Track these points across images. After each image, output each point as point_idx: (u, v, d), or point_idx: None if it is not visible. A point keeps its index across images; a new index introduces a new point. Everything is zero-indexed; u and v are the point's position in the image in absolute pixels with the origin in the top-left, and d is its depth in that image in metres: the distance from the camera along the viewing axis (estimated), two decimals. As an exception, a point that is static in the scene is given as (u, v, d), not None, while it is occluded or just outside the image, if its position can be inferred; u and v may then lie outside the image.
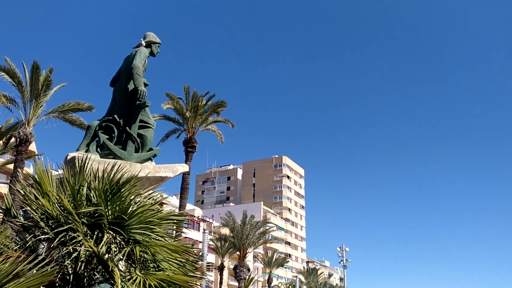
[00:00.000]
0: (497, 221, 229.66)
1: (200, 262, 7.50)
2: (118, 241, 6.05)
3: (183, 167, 10.22)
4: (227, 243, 59.59)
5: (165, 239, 6.62)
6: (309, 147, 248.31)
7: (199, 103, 34.18)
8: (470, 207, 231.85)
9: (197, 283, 6.89)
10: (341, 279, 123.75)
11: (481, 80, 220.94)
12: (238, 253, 55.15)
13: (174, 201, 57.68)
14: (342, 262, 56.21)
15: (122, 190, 6.25)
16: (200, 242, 55.50)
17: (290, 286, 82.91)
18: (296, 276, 66.00)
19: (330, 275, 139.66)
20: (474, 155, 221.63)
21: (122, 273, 5.95)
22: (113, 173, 6.44)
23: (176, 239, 7.26)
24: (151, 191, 7.12)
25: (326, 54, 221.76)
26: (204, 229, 41.47)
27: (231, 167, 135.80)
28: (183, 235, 55.07)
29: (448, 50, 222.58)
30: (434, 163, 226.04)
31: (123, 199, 6.18)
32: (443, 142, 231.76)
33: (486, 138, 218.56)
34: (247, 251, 55.20)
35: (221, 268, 63.17)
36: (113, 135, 9.57)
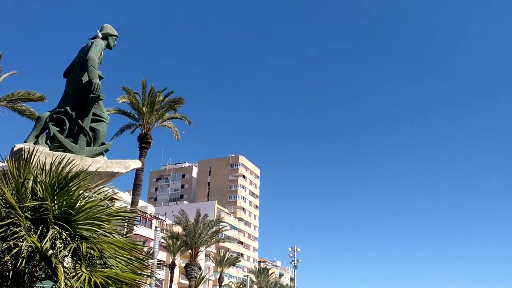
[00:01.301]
0: (451, 219, 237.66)
1: (150, 260, 7.39)
2: (64, 237, 5.86)
3: (136, 163, 10.04)
4: (179, 241, 59.06)
5: (113, 236, 6.46)
6: (266, 147, 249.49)
7: (156, 99, 33.71)
8: (416, 208, 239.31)
9: (145, 281, 6.78)
10: (291, 279, 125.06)
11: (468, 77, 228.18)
12: (190, 251, 54.72)
13: (127, 197, 56.68)
14: (293, 262, 56.77)
15: (71, 184, 6.06)
16: (151, 239, 54.76)
17: (241, 286, 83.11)
18: (247, 276, 66.20)
19: (281, 275, 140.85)
20: (428, 154, 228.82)
21: (66, 270, 5.78)
22: (61, 166, 6.24)
23: (126, 236, 7.12)
24: (101, 186, 6.95)
25: (285, 53, 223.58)
26: (156, 227, 40.92)
27: (186, 164, 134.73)
28: (135, 232, 54.17)
29: (423, 48, 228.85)
30: (385, 166, 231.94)
31: (71, 193, 6.00)
32: (396, 144, 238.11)
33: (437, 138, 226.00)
34: (199, 249, 54.90)
35: (172, 267, 62.56)
36: (65, 127, 9.27)
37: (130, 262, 6.41)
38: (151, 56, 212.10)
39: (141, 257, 6.78)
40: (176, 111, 35.48)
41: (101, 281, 5.60)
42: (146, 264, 6.75)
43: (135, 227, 53.06)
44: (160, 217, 77.16)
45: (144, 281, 6.73)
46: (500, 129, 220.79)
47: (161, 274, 72.37)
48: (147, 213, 71.37)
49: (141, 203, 72.43)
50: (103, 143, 9.50)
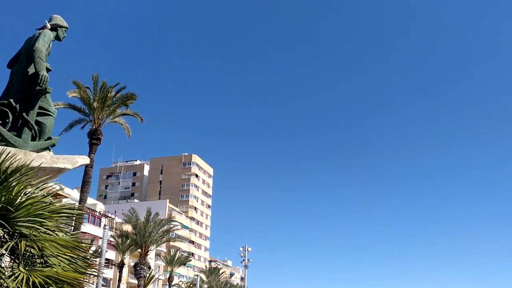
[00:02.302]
0: (415, 217, 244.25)
1: (96, 259, 7.18)
2: (1, 235, 5.60)
3: (84, 159, 9.73)
4: (128, 240, 58.04)
5: (56, 234, 6.24)
6: (220, 147, 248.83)
7: (108, 94, 32.96)
8: (368, 207, 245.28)
9: (90, 280, 6.58)
10: (242, 279, 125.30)
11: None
12: (139, 250, 53.85)
13: (75, 194, 55.18)
14: (244, 262, 56.88)
15: (10, 179, 5.79)
16: (100, 238, 53.53)
17: (191, 285, 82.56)
18: (197, 275, 65.77)
19: (231, 275, 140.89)
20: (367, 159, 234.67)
21: (2, 269, 5.52)
22: (0, 160, 5.96)
23: (73, 234, 6.90)
24: (45, 182, 6.68)
25: (240, 51, 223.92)
26: (105, 225, 39.98)
27: (138, 162, 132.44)
28: (83, 230, 52.74)
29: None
30: (337, 165, 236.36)
31: (10, 189, 5.74)
32: (347, 143, 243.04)
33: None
34: (149, 248, 54.14)
35: (121, 266, 61.37)
36: (7, 120, 8.86)
37: (73, 261, 6.19)
38: (104, 51, 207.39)
39: (85, 256, 6.58)
40: (128, 107, 34.79)
41: (40, 280, 5.37)
42: (90, 262, 6.55)
43: (83, 225, 51.70)
44: (109, 215, 75.57)
45: (87, 280, 6.53)
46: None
47: (109, 273, 70.85)
48: (96, 211, 69.68)
49: (90, 201, 70.63)
50: (49, 138, 9.17)
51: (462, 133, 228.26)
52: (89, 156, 32.04)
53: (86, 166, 31.73)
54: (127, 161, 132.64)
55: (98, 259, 26.99)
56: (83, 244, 6.64)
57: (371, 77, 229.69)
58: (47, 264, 5.88)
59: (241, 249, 58.40)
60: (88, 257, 6.72)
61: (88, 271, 6.53)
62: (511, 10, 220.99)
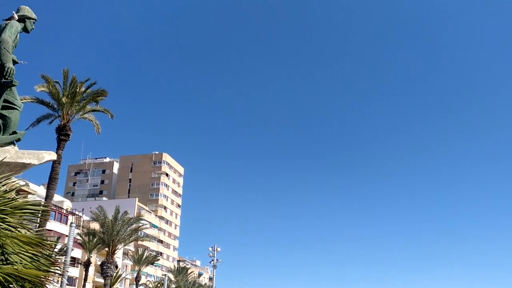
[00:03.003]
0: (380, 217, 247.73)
1: (63, 257, 7.02)
2: (-41, 230, 5.43)
3: (51, 155, 9.51)
4: (96, 239, 57.12)
5: (19, 230, 6.08)
6: (191, 146, 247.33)
7: (78, 89, 32.35)
8: (339, 208, 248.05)
9: (54, 278, 6.43)
10: (210, 279, 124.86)
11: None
12: (107, 249, 53.06)
13: (41, 191, 53.97)
14: (212, 262, 56.69)
15: (-29, 174, 5.63)
16: (66, 236, 52.51)
17: (159, 285, 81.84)
18: (165, 275, 65.21)
19: (200, 275, 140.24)
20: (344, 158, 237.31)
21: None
22: (-39, 154, 5.78)
23: (37, 231, 6.73)
24: (6, 178, 6.50)
25: (212, 48, 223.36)
26: (71, 223, 39.22)
27: (107, 160, 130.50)
28: (48, 228, 51.59)
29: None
30: (304, 173, 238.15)
31: (-30, 184, 5.57)
32: (321, 144, 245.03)
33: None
34: (117, 247, 53.41)
35: (87, 264, 60.32)
36: (-30, 113, 8.60)
37: (36, 259, 6.05)
38: (75, 46, 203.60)
39: (49, 254, 6.43)
40: (98, 104, 34.23)
41: (0, 278, 5.23)
42: (53, 260, 6.41)
43: (48, 223, 50.59)
44: (77, 213, 74.22)
45: (50, 278, 6.38)
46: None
47: (75, 272, 69.57)
48: (63, 208, 68.33)
49: (57, 198, 69.24)
50: (14, 132, 8.91)
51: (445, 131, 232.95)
52: (57, 152, 31.38)
53: (54, 162, 31.11)
54: (96, 158, 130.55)
55: (63, 258, 26.50)
56: (47, 242, 6.49)
57: (348, 66, 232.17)
58: (8, 261, 5.72)
59: (210, 249, 58.24)
60: (52, 254, 6.57)
61: (51, 269, 6.38)
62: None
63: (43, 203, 18.86)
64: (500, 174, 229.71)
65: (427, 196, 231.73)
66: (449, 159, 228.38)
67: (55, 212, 64.98)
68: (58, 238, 51.24)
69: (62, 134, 31.59)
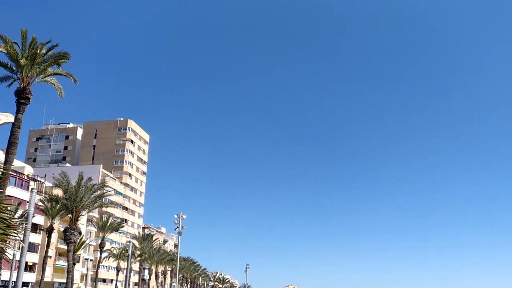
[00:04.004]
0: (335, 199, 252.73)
1: (20, 222, 6.87)
2: None
3: (7, 117, 9.32)
4: (58, 205, 56.22)
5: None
6: (156, 113, 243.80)
7: (38, 51, 31.15)
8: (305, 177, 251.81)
9: (14, 243, 6.30)
10: (175, 246, 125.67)
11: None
12: (70, 215, 52.35)
13: (0, 156, 52.47)
14: (178, 229, 56.84)
15: None
16: (28, 202, 51.49)
17: (124, 251, 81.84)
18: (130, 241, 65.03)
19: (165, 241, 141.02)
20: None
21: None
22: None
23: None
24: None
25: (185, 21, 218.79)
26: (32, 189, 38.44)
27: (71, 125, 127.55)
28: (8, 193, 50.44)
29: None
30: (273, 142, 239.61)
31: None
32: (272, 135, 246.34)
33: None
34: (80, 214, 52.70)
35: (49, 231, 59.53)
36: None
37: (-8, 221, 5.90)
38: (36, 6, 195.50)
39: (5, 217, 6.27)
40: (61, 67, 33.11)
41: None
42: (9, 223, 6.26)
43: (8, 188, 49.49)
44: (38, 179, 72.71)
45: (9, 244, 6.25)
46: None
47: (37, 238, 68.70)
48: (23, 174, 66.80)
49: (17, 163, 67.59)
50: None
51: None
52: (16, 116, 30.45)
53: (13, 126, 30.19)
54: (59, 124, 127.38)
55: (24, 223, 26.01)
56: (3, 205, 6.33)
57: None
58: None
59: (175, 216, 58.26)
60: (9, 218, 6.42)
61: (9, 232, 6.24)
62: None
63: (1, 168, 18.33)
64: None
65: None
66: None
67: (15, 177, 63.51)
68: (19, 204, 50.26)
69: (22, 97, 30.53)
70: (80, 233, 54.05)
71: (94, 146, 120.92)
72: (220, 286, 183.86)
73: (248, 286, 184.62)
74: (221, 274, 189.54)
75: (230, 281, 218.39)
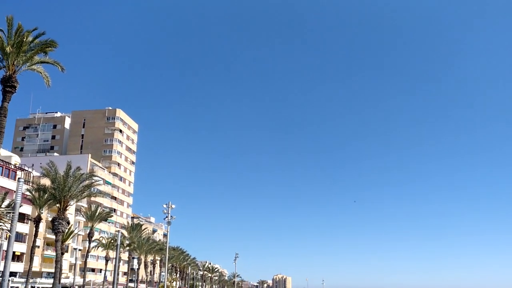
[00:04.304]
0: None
1: (11, 213, 6.77)
2: None
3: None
4: (46, 195, 55.83)
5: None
6: (145, 103, 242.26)
7: (24, 39, 30.70)
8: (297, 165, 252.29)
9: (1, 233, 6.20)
10: (164, 235, 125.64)
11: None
12: (58, 205, 52.00)
13: (-14, 145, 51.84)
14: (167, 218, 56.71)
15: None
16: (15, 191, 51.04)
17: (112, 241, 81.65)
18: (119, 231, 64.93)
19: (154, 231, 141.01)
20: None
21: None
22: None
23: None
24: None
25: (172, 9, 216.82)
26: (19, 178, 38.11)
27: (59, 114, 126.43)
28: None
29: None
30: (258, 130, 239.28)
31: None
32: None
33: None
34: (69, 203, 52.38)
35: (37, 220, 59.15)
36: None
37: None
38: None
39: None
40: (48, 55, 32.67)
41: None
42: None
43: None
44: (26, 168, 72.12)
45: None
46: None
47: (25, 228, 68.27)
48: (10, 164, 66.19)
49: (4, 153, 66.98)
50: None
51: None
52: (2, 105, 30.09)
53: (-2, 114, 29.79)
54: (46, 113, 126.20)
55: (11, 213, 25.82)
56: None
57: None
58: None
59: (164, 206, 58.06)
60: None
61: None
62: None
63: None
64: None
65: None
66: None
67: (2, 167, 62.94)
68: (5, 194, 49.75)
69: (8, 85, 30.11)
70: (68, 223, 53.78)
71: (83, 135, 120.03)
72: (210, 275, 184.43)
73: (237, 275, 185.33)
74: (210, 264, 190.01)
75: (220, 271, 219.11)
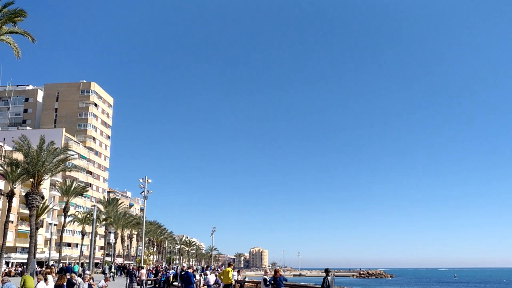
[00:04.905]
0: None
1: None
2: None
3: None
4: (19, 169, 54.79)
5: None
6: (121, 77, 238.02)
7: (-9, 8, 29.57)
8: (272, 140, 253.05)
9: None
10: (141, 210, 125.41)
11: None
12: (32, 180, 51.14)
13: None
14: (143, 193, 56.38)
15: None
16: (-14, 166, 49.96)
17: (88, 215, 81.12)
18: (95, 206, 64.48)
19: (131, 206, 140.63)
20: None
21: None
22: None
23: None
24: None
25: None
26: (-9, 152, 37.20)
27: (31, 87, 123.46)
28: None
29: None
30: (232, 105, 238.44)
31: None
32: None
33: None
34: (43, 178, 51.56)
35: (10, 195, 58.13)
36: None
37: None
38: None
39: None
40: (16, 25, 31.57)
41: None
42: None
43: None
44: (-3, 142, 70.55)
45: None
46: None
47: (-2, 203, 67.18)
48: (-19, 138, 64.59)
49: (-26, 126, 65.26)
50: None
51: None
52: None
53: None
54: (18, 85, 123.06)
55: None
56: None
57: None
58: None
59: (141, 180, 57.64)
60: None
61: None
62: None
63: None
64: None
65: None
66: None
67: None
68: (-23, 168, 48.67)
69: (-24, 56, 29.10)
70: (42, 197, 53.06)
71: (56, 109, 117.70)
72: (187, 249, 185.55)
73: (214, 249, 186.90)
74: (187, 237, 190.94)
75: (197, 244, 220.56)
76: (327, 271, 15.79)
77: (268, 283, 17.63)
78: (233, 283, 20.73)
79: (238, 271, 37.98)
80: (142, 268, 39.03)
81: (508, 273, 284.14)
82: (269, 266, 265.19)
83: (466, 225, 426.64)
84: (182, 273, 23.05)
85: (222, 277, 20.77)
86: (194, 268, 44.68)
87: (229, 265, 21.88)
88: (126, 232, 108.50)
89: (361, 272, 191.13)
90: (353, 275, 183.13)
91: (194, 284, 22.32)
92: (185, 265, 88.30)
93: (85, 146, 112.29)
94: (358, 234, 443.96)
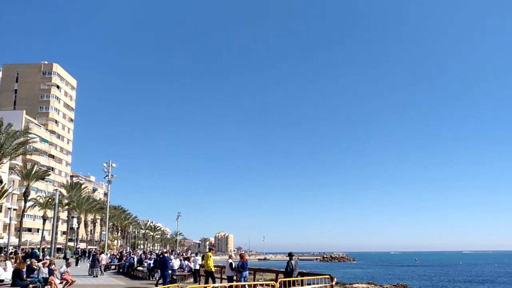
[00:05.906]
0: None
1: None
2: None
3: None
4: (-23, 152, 53.04)
5: None
6: (85, 58, 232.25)
7: None
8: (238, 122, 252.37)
9: None
10: (105, 194, 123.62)
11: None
12: (-10, 163, 49.69)
13: None
14: (107, 177, 55.57)
15: None
16: None
17: (50, 200, 79.44)
18: (57, 190, 63.16)
19: (94, 190, 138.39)
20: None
21: None
22: None
23: None
24: None
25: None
26: None
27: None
28: None
29: None
30: (201, 88, 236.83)
31: None
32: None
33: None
34: (2, 161, 50.18)
35: (-33, 179, 56.35)
36: None
37: None
38: None
39: None
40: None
41: None
42: None
43: None
44: (-47, 124, 67.87)
45: None
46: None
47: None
48: None
49: None
50: None
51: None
52: None
53: None
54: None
55: None
56: None
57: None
58: None
59: (104, 164, 56.77)
60: None
61: None
62: None
63: None
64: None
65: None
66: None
67: None
68: None
69: None
70: (1, 181, 51.70)
71: (16, 90, 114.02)
72: (152, 233, 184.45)
73: (179, 234, 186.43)
74: (152, 222, 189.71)
75: (162, 229, 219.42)
76: (290, 255, 15.96)
77: (235, 267, 17.70)
78: (214, 270, 19.35)
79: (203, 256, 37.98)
80: (102, 252, 38.64)
81: (468, 256, 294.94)
82: (234, 251, 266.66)
83: (421, 210, 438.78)
84: (161, 256, 23.39)
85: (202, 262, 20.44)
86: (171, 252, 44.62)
87: (210, 250, 20.06)
88: (90, 217, 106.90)
89: (325, 256, 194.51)
90: (316, 259, 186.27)
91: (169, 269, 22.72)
92: (165, 250, 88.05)
93: (47, 129, 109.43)
94: (320, 219, 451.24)
